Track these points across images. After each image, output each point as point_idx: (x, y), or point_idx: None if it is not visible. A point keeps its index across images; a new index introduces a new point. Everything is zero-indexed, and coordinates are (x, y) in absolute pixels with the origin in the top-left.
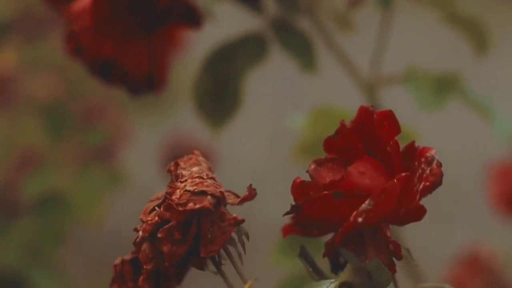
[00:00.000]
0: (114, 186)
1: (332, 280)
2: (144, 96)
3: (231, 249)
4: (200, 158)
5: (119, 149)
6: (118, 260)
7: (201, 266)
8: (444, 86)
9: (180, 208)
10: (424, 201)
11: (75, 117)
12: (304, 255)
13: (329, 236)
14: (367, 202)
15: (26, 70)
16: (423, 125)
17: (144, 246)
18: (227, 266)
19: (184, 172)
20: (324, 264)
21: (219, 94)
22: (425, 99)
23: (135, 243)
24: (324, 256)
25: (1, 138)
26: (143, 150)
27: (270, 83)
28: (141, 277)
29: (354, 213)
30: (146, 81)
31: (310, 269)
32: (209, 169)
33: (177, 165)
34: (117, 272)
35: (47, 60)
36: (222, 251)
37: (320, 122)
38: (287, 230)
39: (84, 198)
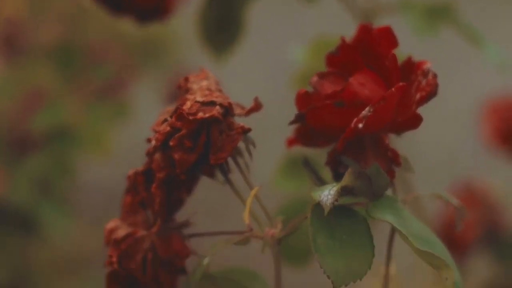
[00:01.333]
0: (120, 121)
1: (334, 184)
2: (151, 23)
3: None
4: (209, 73)
5: (125, 86)
6: (131, 172)
7: (211, 174)
8: (437, 15)
9: (191, 117)
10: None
11: (82, 57)
12: (307, 165)
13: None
14: (367, 109)
15: (34, 14)
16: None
17: (157, 155)
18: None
19: (193, 86)
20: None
21: (223, 24)
22: (419, 26)
23: (147, 153)
24: (326, 164)
25: (11, 81)
26: (148, 87)
27: (271, 16)
28: (154, 185)
29: (355, 119)
30: (154, 8)
31: (313, 177)
32: (217, 83)
33: (187, 80)
34: (131, 183)
35: (53, 3)
36: (230, 161)
37: (319, 52)
38: (291, 142)
39: (91, 132)
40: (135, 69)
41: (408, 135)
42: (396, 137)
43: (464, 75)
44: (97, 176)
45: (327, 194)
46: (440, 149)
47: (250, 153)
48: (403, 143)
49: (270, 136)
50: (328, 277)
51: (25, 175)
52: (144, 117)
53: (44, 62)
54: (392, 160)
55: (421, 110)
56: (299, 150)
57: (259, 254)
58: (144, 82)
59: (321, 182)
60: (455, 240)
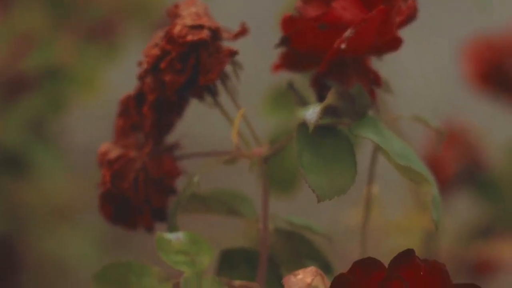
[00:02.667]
0: (112, 60)
1: (318, 104)
2: None
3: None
4: (198, 1)
5: (116, 28)
6: (123, 96)
7: (200, 95)
8: None
9: (180, 40)
10: None
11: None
12: (291, 88)
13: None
14: (349, 30)
15: None
16: None
17: (148, 78)
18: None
19: (183, 12)
20: None
21: None
22: None
23: (139, 77)
24: (310, 86)
25: (2, 25)
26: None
27: None
28: (145, 107)
29: (338, 40)
30: None
31: (298, 99)
32: (206, 9)
33: (176, 7)
34: (123, 107)
35: None
36: (218, 84)
37: None
38: (277, 67)
39: (82, 72)
40: (125, 12)
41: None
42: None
43: (447, 13)
44: (87, 120)
45: (311, 112)
46: (421, 87)
47: (237, 77)
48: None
49: (258, 63)
50: (313, 191)
51: (17, 117)
52: (135, 59)
53: (35, 3)
54: (374, 81)
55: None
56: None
57: (245, 183)
58: (134, 24)
59: (305, 104)
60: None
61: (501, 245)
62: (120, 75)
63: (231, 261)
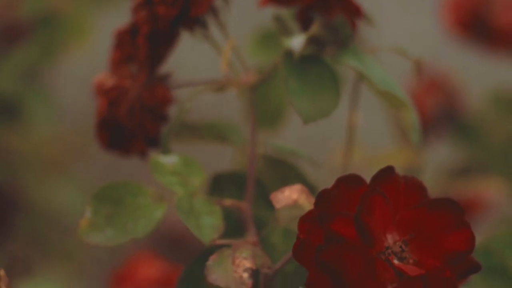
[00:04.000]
0: (106, 8)
1: (302, 34)
2: None
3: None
4: None
5: None
6: (117, 30)
7: (191, 27)
8: None
9: None
10: None
11: None
12: (278, 20)
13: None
14: None
15: None
16: None
17: (141, 11)
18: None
19: None
20: None
21: None
22: None
23: (132, 10)
24: (296, 19)
25: None
26: None
27: None
28: (139, 38)
29: None
30: None
31: (284, 31)
32: None
33: None
34: (118, 40)
35: None
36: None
37: None
38: (264, 1)
39: (77, 18)
40: None
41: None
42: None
43: None
44: (79, 70)
45: (297, 42)
46: (402, 33)
47: (227, 10)
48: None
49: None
50: (299, 114)
51: (10, 66)
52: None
53: None
54: (355, 12)
55: None
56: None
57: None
58: None
59: (290, 33)
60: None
61: (477, 184)
62: (113, 22)
63: (221, 184)
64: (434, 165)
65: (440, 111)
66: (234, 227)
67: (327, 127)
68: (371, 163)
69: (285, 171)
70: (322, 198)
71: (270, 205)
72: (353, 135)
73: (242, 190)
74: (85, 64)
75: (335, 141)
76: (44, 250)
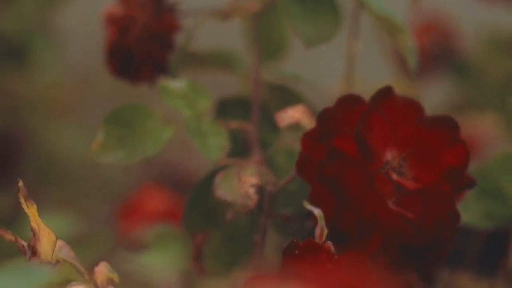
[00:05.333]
0: None
1: None
2: None
3: None
4: None
5: None
6: None
7: None
8: None
9: None
10: None
11: None
12: None
13: None
14: None
15: None
16: None
17: None
18: None
19: None
20: None
21: None
22: None
23: None
24: None
25: None
26: None
27: None
28: None
29: None
30: None
31: None
32: None
33: None
34: None
35: None
36: None
37: None
38: None
39: None
40: None
41: None
42: None
43: None
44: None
45: None
46: None
47: None
48: None
49: None
50: (301, 39)
51: (17, 9)
52: None
53: None
54: None
55: None
56: None
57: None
58: None
59: None
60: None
61: (473, 122)
62: None
63: (227, 108)
64: (431, 104)
65: (436, 52)
66: (239, 149)
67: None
68: (370, 93)
69: (288, 97)
70: (324, 116)
71: (274, 128)
72: (352, 64)
73: (247, 114)
74: (91, 6)
75: (335, 75)
76: (49, 192)
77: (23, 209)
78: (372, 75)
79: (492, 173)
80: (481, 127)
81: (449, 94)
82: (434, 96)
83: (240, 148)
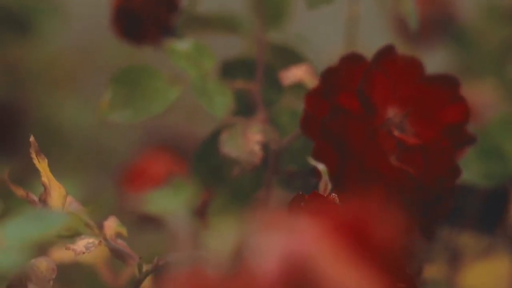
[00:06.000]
0: None
1: None
2: None
3: None
4: None
5: None
6: None
7: None
8: None
9: None
10: None
11: None
12: None
13: None
14: None
15: None
16: None
17: None
18: None
19: None
20: None
21: None
22: None
23: None
24: None
25: None
26: None
27: None
28: None
29: None
30: None
31: None
32: None
33: None
34: None
35: None
36: None
37: None
38: None
39: None
40: None
41: None
42: None
43: None
44: None
45: None
46: None
47: None
48: None
49: None
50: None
51: None
52: None
53: None
54: None
55: None
56: None
57: None
58: None
59: None
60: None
61: (472, 89)
62: None
63: (231, 69)
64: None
65: (435, 19)
66: (244, 109)
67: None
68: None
69: (291, 58)
70: (327, 75)
71: (278, 88)
72: (353, 28)
73: (251, 75)
74: None
75: (336, 41)
76: (52, 162)
77: (25, 178)
78: (372, 40)
79: (492, 133)
80: (479, 95)
81: (447, 61)
82: (432, 64)
83: (244, 108)
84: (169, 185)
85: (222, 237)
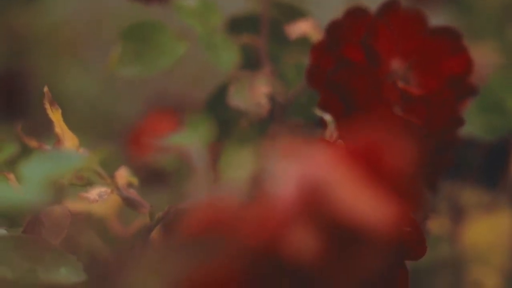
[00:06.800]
0: None
1: None
2: None
3: None
4: None
5: None
6: None
7: None
8: None
9: None
10: None
11: None
12: None
13: None
14: None
15: None
16: None
17: None
18: None
19: None
20: None
21: None
22: None
23: None
24: None
25: None
26: None
27: None
28: None
29: None
30: None
31: None
32: None
33: None
34: None
35: None
36: None
37: None
38: None
39: None
40: None
41: None
42: None
43: None
44: None
45: None
46: None
47: None
48: None
49: None
50: None
51: None
52: None
53: None
54: None
55: None
56: None
57: None
58: None
59: None
60: None
61: (473, 51)
62: None
63: (237, 25)
64: None
65: None
66: (250, 64)
67: None
68: None
69: (296, 15)
70: (332, 28)
71: (283, 43)
72: None
73: (257, 30)
74: None
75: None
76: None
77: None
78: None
79: (493, 87)
80: (480, 57)
81: (447, 23)
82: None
83: (250, 63)
84: (186, 124)
85: (238, 166)
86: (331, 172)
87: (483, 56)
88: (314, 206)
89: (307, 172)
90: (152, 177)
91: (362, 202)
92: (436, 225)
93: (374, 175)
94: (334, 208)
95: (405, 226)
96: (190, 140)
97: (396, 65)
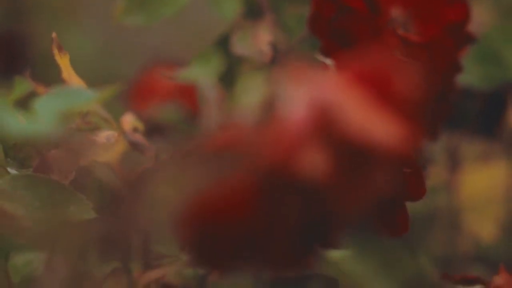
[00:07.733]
0: None
1: None
2: None
3: None
4: None
5: None
6: None
7: None
8: None
9: None
10: None
11: None
12: None
13: None
14: None
15: None
16: None
17: None
18: None
19: None
20: None
21: None
22: None
23: None
24: None
25: None
26: None
27: None
28: None
29: None
30: None
31: None
32: None
33: None
34: None
35: None
36: None
37: None
38: None
39: None
40: None
41: None
42: None
43: None
44: None
45: None
46: None
47: None
48: None
49: None
50: None
51: None
52: None
53: None
54: None
55: None
56: None
57: None
58: None
59: None
60: None
61: None
62: None
63: None
64: None
65: None
66: (252, 14)
67: None
68: None
69: None
70: None
71: None
72: None
73: None
74: None
75: None
76: None
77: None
78: None
79: (491, 38)
80: (474, 18)
81: None
82: None
83: (252, 13)
84: (194, 59)
85: (251, 90)
86: (340, 94)
87: (479, 15)
88: (325, 127)
89: (317, 95)
90: (154, 131)
91: (371, 122)
92: (433, 175)
93: (381, 99)
94: (343, 128)
95: (410, 149)
96: (200, 73)
97: (396, 13)
